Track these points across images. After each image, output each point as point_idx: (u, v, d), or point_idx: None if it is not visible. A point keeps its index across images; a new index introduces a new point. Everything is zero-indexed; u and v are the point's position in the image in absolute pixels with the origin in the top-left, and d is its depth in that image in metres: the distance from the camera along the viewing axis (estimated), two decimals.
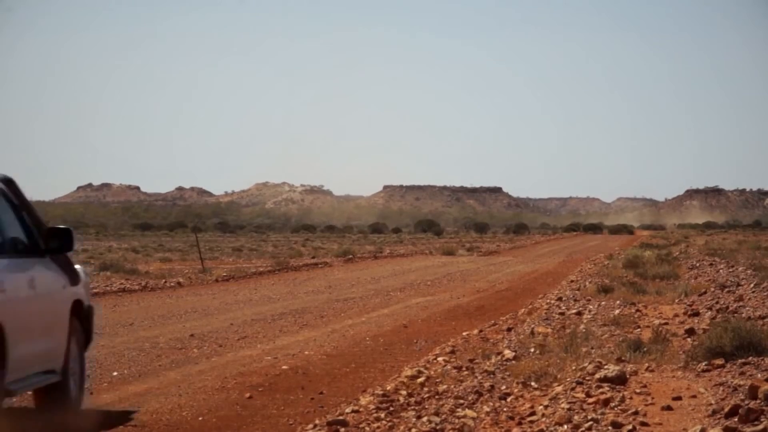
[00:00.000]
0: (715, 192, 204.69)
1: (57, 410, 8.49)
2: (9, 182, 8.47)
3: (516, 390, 9.16)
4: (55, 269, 8.60)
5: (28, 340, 7.74)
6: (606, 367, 9.32)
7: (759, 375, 8.48)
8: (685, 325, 13.16)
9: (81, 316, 9.02)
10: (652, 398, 8.37)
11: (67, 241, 8.57)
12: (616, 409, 7.98)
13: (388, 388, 9.49)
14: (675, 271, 24.16)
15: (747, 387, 7.84)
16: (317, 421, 8.29)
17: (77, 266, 9.03)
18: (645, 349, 10.65)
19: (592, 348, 11.09)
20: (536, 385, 9.26)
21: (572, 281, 23.46)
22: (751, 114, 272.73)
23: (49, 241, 8.53)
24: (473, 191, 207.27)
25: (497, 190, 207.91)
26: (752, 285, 18.17)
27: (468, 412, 8.29)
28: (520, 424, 7.91)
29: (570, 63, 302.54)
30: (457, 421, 7.99)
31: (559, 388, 8.88)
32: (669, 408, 7.97)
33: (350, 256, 40.36)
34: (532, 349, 11.35)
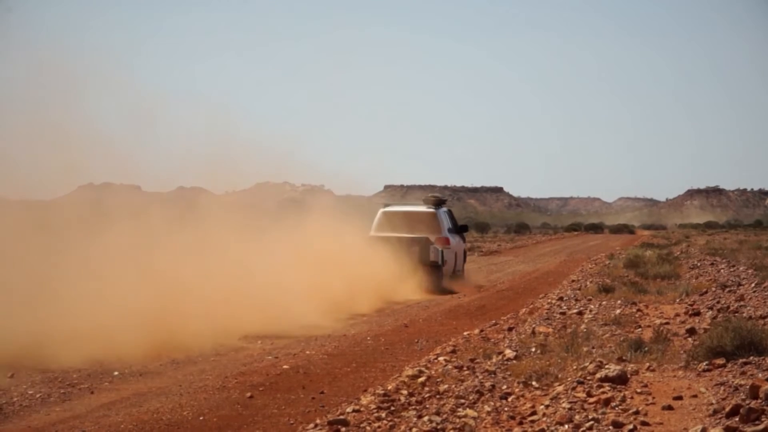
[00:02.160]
0: (716, 192, 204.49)
1: (459, 281, 23.36)
2: (450, 210, 24.73)
3: (517, 389, 9.16)
4: (461, 238, 24.63)
5: (458, 258, 23.93)
6: (607, 366, 9.33)
7: (760, 375, 8.48)
8: (686, 324, 13.15)
9: (465, 254, 25.52)
10: (653, 398, 8.37)
11: (465, 228, 25.45)
12: (617, 408, 7.99)
13: (389, 387, 9.50)
14: (676, 270, 24.14)
15: (748, 387, 7.84)
16: (318, 421, 8.30)
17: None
18: (646, 348, 10.65)
19: (593, 348, 11.09)
20: (537, 385, 9.26)
21: (573, 281, 23.43)
22: (751, 114, 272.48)
23: (459, 229, 24.65)
24: (474, 191, 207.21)
25: (498, 190, 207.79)
26: (753, 285, 18.16)
27: (469, 411, 8.29)
28: (521, 423, 7.91)
29: (571, 63, 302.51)
30: (458, 420, 7.99)
31: (560, 388, 8.88)
32: (670, 407, 7.97)
33: None
34: (533, 349, 11.35)
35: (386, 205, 24.22)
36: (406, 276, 20.74)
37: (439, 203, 24.21)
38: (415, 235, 21.99)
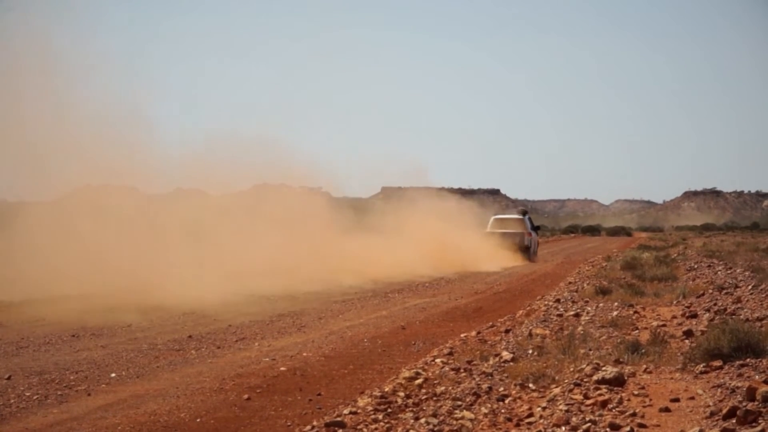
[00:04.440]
0: (713, 194, 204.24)
1: (533, 258, 37.54)
2: (530, 216, 39.80)
3: (514, 391, 9.16)
4: (536, 233, 38.95)
5: (535, 244, 38.73)
6: (604, 368, 9.33)
7: (757, 376, 8.49)
8: (683, 326, 13.16)
9: (537, 243, 40.00)
10: (650, 400, 8.37)
11: (538, 227, 41.81)
12: (614, 410, 7.99)
13: (386, 389, 9.50)
14: (673, 272, 24.15)
15: (745, 388, 7.85)
16: (315, 423, 8.30)
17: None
18: (643, 350, 10.66)
19: (590, 350, 11.09)
20: (534, 387, 9.26)
21: (570, 283, 23.45)
22: (749, 115, 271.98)
23: (535, 228, 39.15)
24: (472, 193, 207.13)
25: (495, 192, 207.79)
26: (750, 287, 18.18)
27: (466, 413, 8.30)
28: (518, 425, 7.92)
29: (569, 65, 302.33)
30: (454, 422, 7.99)
31: (557, 390, 8.89)
32: (667, 410, 7.98)
33: None
34: (530, 351, 11.35)
35: (496, 214, 41.63)
36: (511, 252, 36.42)
37: (524, 213, 40.01)
38: (514, 231, 37.61)
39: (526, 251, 37.22)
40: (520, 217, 39.09)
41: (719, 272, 24.10)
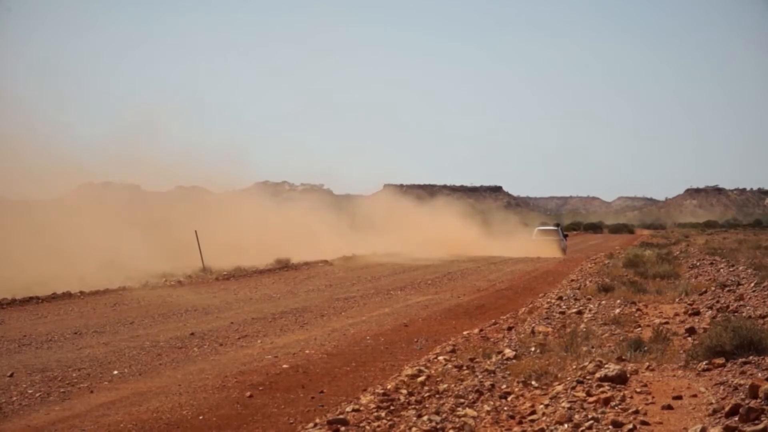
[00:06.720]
0: (716, 191, 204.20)
1: (564, 253, 47.43)
2: (561, 227, 55.33)
3: (516, 389, 9.16)
4: (564, 237, 51.67)
5: (565, 245, 50.38)
6: (606, 366, 9.33)
7: (759, 374, 8.48)
8: (685, 324, 13.15)
9: (565, 244, 50.57)
10: (653, 397, 8.37)
11: (566, 235, 54.86)
12: (616, 408, 7.99)
13: (389, 386, 9.50)
14: (675, 270, 24.13)
15: (747, 386, 7.84)
16: (318, 420, 8.30)
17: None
18: (645, 348, 10.65)
19: (593, 347, 11.09)
20: (537, 384, 9.26)
21: (573, 280, 23.44)
22: (751, 113, 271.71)
23: (564, 233, 52.78)
24: (473, 190, 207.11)
25: (497, 189, 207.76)
26: (752, 284, 18.15)
27: (468, 411, 8.30)
28: (520, 423, 7.91)
29: (570, 63, 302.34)
30: (457, 420, 7.99)
31: (559, 387, 8.88)
32: (669, 407, 7.97)
33: (351, 255, 40.31)
34: (533, 348, 11.35)
35: (537, 226, 56.25)
36: (551, 249, 46.78)
37: (557, 225, 55.00)
38: (552, 238, 49.88)
39: (562, 250, 51.07)
40: (555, 228, 55.37)
41: (722, 270, 24.07)
